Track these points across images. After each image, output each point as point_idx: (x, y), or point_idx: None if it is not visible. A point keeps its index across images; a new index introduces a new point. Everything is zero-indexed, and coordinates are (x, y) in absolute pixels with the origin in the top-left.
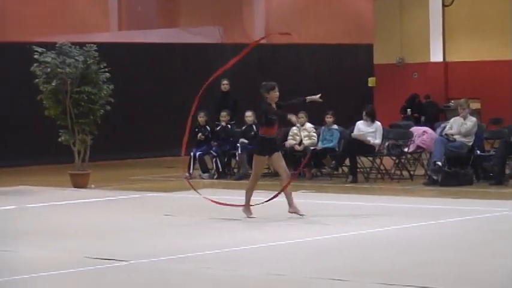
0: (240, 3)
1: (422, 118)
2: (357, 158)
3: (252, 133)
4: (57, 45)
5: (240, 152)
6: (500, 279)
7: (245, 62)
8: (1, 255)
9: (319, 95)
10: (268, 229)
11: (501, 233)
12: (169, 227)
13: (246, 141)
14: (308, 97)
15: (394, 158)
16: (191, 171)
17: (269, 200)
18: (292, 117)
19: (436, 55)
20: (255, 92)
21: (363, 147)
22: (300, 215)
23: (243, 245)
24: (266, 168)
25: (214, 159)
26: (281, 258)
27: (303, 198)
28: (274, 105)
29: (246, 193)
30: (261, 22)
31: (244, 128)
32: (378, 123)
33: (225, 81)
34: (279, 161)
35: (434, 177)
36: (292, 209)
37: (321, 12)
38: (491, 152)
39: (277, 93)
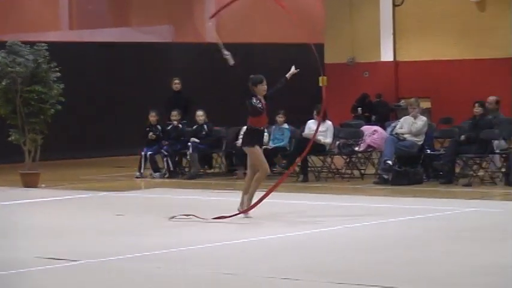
0: (191, 2)
1: (373, 117)
2: (308, 157)
3: (203, 132)
4: (7, 44)
5: (191, 151)
6: (451, 277)
7: (196, 61)
8: None
9: (293, 67)
10: (220, 228)
11: (452, 231)
12: (120, 226)
13: (197, 140)
14: (287, 75)
15: (345, 157)
16: (142, 170)
17: (259, 201)
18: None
19: (386, 54)
20: (206, 91)
21: (313, 146)
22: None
23: (193, 245)
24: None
25: (165, 159)
26: (233, 257)
27: (254, 198)
28: (261, 99)
29: (251, 191)
30: (212, 20)
31: (195, 127)
32: (329, 122)
33: (177, 81)
34: (259, 155)
35: (385, 176)
36: (242, 207)
37: (272, 11)
38: (441, 151)
39: (265, 86)
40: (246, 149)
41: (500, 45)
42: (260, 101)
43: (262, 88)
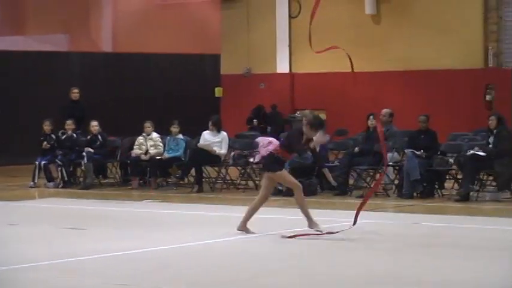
0: (87, 11)
1: (269, 128)
2: (203, 167)
3: (98, 142)
4: None
5: (85, 161)
6: (339, 286)
7: (92, 71)
8: None
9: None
10: (114, 239)
11: (345, 242)
12: (13, 236)
13: (91, 150)
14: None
15: (239, 168)
16: (36, 180)
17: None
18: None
19: (282, 66)
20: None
21: (208, 157)
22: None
23: (88, 255)
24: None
25: (59, 168)
26: (125, 268)
27: (149, 208)
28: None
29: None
30: (108, 30)
31: (89, 137)
32: (224, 133)
33: (75, 90)
34: (287, 176)
35: (279, 187)
36: (312, 225)
37: (168, 22)
38: (336, 163)
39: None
40: (273, 174)
41: (395, 58)
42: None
43: (313, 134)
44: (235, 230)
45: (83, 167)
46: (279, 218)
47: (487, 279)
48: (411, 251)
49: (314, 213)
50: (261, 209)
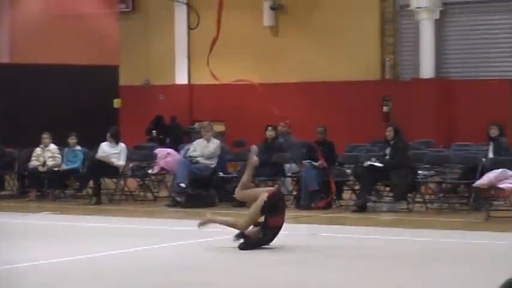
0: None
1: (167, 140)
2: (101, 179)
3: None
4: None
5: None
6: None
7: None
8: None
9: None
10: (11, 251)
11: (242, 253)
12: None
13: None
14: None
15: (138, 179)
16: None
17: None
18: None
19: (181, 77)
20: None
21: (107, 168)
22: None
23: None
24: None
25: None
26: (22, 280)
27: (47, 220)
28: None
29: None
30: (5, 41)
31: None
32: (122, 144)
33: None
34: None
35: (178, 199)
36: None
37: (67, 33)
38: (234, 174)
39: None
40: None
41: (293, 69)
42: None
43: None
44: (133, 242)
45: None
46: (177, 230)
47: None
48: (311, 263)
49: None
50: (157, 220)
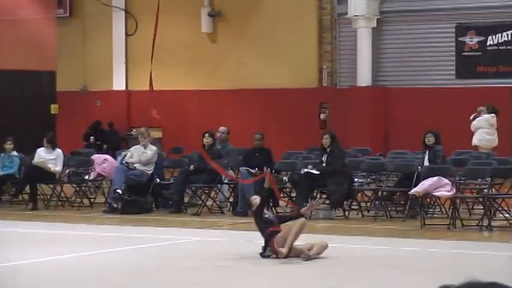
0: None
1: (105, 146)
2: (38, 185)
3: None
4: None
5: None
6: None
7: None
8: None
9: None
10: None
11: (178, 260)
12: None
13: None
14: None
15: (74, 185)
16: None
17: None
18: None
19: (119, 83)
20: None
21: (43, 174)
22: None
23: None
24: None
25: None
26: None
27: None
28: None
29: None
30: None
31: None
32: (59, 150)
33: None
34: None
35: (114, 205)
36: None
37: (3, 38)
38: (171, 181)
39: None
40: None
41: (231, 76)
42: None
43: None
44: (67, 248)
45: None
46: (114, 236)
47: None
48: (245, 269)
49: (149, 230)
50: (94, 227)
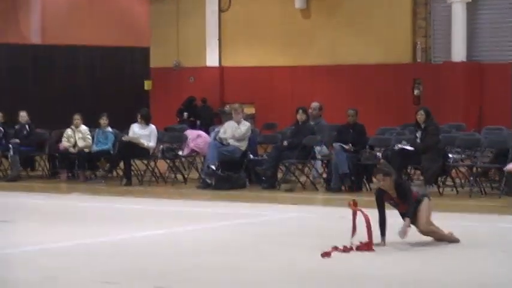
0: (14, 3)
1: (198, 122)
2: (132, 160)
3: (25, 132)
4: None
5: (12, 153)
6: (263, 282)
7: (20, 61)
8: None
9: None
10: (42, 232)
11: (273, 236)
12: None
13: (18, 141)
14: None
15: (168, 161)
16: None
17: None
18: None
19: (212, 60)
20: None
21: (137, 150)
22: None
23: (16, 248)
24: None
25: None
26: (53, 261)
27: (77, 201)
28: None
29: None
30: (37, 23)
31: (17, 127)
32: (153, 126)
33: None
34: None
35: (208, 181)
36: None
37: (98, 15)
38: (264, 157)
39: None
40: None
41: (324, 52)
42: None
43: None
44: (164, 224)
45: (9, 159)
46: (208, 212)
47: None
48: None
49: (243, 206)
50: (188, 202)
